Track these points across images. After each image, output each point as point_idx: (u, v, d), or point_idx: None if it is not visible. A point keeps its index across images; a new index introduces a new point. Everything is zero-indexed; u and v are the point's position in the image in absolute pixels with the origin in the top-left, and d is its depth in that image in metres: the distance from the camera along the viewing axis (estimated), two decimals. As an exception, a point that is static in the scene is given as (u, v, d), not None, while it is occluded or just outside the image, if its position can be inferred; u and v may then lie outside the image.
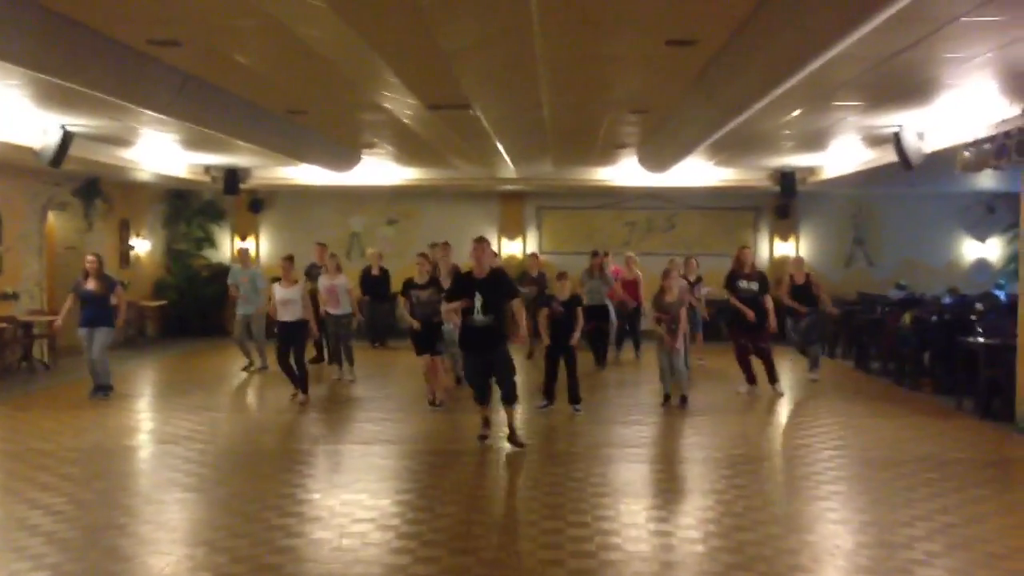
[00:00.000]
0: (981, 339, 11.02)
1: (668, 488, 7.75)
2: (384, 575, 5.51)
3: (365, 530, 6.32)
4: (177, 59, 8.41)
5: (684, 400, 10.98)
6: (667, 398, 11.00)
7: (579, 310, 10.65)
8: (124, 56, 7.90)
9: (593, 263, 14.48)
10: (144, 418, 10.87)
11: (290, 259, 11.85)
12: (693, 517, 6.81)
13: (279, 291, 11.36)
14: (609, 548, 5.95)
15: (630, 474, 8.10)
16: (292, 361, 11.26)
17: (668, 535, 6.28)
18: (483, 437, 8.99)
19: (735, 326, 12.00)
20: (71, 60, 7.49)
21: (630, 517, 6.68)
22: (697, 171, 17.19)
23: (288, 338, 11.28)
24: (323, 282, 12.83)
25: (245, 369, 13.87)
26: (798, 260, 13.98)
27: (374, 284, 15.60)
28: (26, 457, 8.48)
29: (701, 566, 5.71)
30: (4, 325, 13.61)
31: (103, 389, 11.58)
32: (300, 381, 11.28)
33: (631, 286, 15.28)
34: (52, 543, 6.02)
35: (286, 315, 11.23)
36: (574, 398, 10.56)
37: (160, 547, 6.08)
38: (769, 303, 11.76)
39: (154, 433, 9.91)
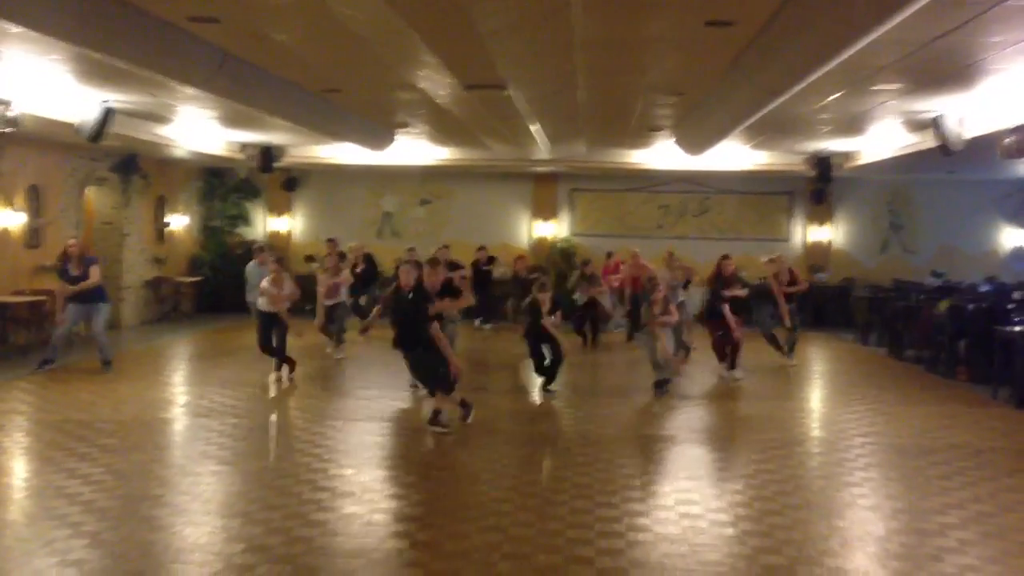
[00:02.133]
0: (1018, 328, 10.88)
1: (698, 471, 7.75)
2: (415, 550, 5.57)
3: (396, 506, 6.39)
4: (216, 36, 8.47)
5: (658, 385, 11.02)
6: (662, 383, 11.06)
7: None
8: (164, 32, 7.97)
9: (584, 270, 15.79)
10: (179, 392, 11.03)
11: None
12: (723, 500, 6.81)
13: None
14: (637, 529, 5.97)
15: (660, 457, 8.11)
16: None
17: (697, 517, 6.29)
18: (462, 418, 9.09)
19: (713, 322, 12.17)
20: (111, 35, 7.57)
21: (659, 499, 6.70)
22: (732, 154, 17.06)
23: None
24: (325, 280, 13.17)
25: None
26: (776, 260, 13.80)
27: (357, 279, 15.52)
28: (65, 428, 8.63)
29: (730, 548, 5.71)
30: (43, 298, 13.82)
31: (108, 364, 11.86)
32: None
33: (637, 279, 15.17)
34: (90, 512, 6.14)
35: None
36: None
37: (195, 518, 6.18)
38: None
39: (189, 407, 10.04)
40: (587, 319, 15.32)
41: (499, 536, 5.80)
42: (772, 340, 13.31)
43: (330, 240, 15.42)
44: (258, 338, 11.73)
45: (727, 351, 12.02)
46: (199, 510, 6.35)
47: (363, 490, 6.83)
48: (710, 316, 12.24)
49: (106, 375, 11.57)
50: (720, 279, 12.20)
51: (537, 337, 11.01)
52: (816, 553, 5.62)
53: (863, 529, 6.23)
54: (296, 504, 6.42)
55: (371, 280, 15.63)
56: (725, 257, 12.64)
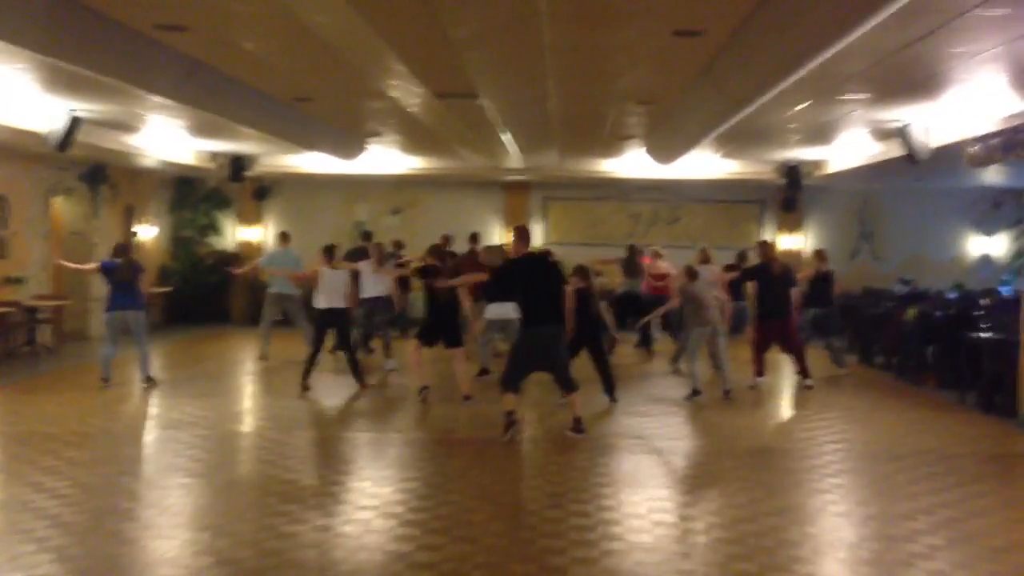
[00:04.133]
0: (985, 334, 11.01)
1: (671, 479, 7.75)
2: (386, 562, 5.53)
3: (368, 517, 6.34)
4: (184, 45, 8.42)
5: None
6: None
7: None
8: (131, 41, 7.91)
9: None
10: (148, 403, 10.89)
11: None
12: (696, 508, 6.82)
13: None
14: (611, 538, 5.97)
15: (633, 465, 8.11)
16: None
17: (670, 525, 6.29)
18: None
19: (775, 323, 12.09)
20: (78, 43, 7.50)
21: (632, 507, 6.70)
22: (702, 163, 17.17)
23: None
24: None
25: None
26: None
27: None
28: (31, 441, 8.51)
29: (703, 556, 5.72)
30: (10, 309, 13.64)
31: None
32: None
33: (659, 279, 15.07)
34: (56, 526, 6.04)
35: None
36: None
37: (163, 531, 6.10)
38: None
39: (158, 418, 9.93)
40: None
41: (471, 547, 5.77)
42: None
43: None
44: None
45: (794, 356, 12.08)
46: (167, 523, 6.28)
47: (334, 501, 6.78)
48: (773, 315, 12.03)
49: (77, 386, 11.43)
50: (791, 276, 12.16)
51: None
52: (787, 560, 5.63)
53: (834, 535, 6.26)
54: (265, 516, 6.36)
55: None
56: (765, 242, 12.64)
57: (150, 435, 9.26)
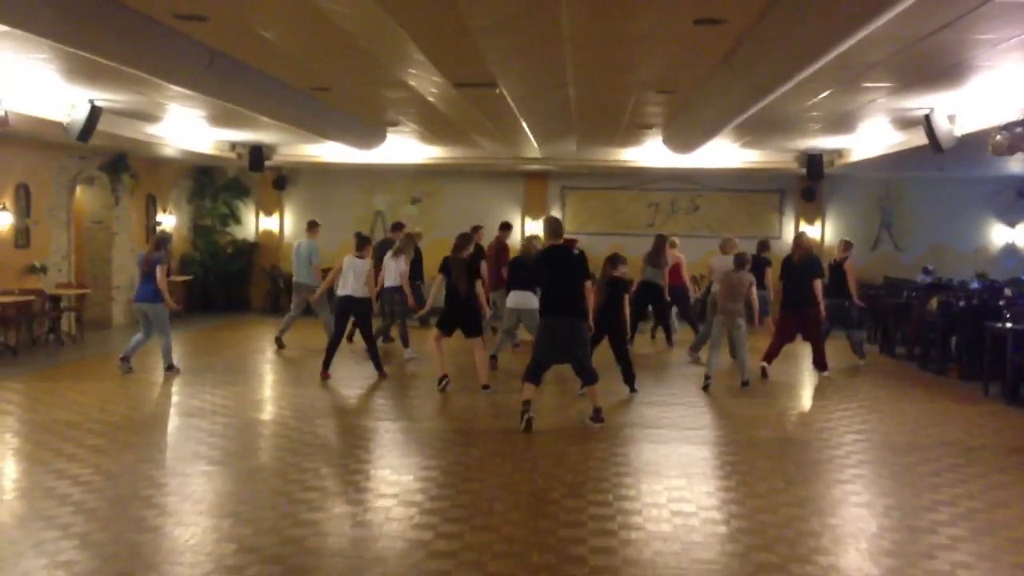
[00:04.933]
0: (1008, 324, 10.91)
1: (691, 469, 7.73)
2: (406, 550, 5.55)
3: (388, 505, 6.36)
4: (203, 34, 8.42)
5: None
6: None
7: None
8: (151, 30, 7.91)
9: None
10: (169, 391, 10.97)
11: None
12: (715, 498, 6.80)
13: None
14: (630, 527, 5.96)
15: (653, 455, 8.10)
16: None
17: (690, 515, 6.28)
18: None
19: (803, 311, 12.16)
20: (97, 33, 7.52)
21: (652, 497, 6.68)
22: (722, 152, 17.07)
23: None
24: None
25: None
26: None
27: None
28: (53, 428, 8.58)
29: (722, 546, 5.70)
30: (32, 298, 13.76)
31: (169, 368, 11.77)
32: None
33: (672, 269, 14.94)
34: (79, 513, 6.09)
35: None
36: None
37: (185, 518, 6.14)
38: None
39: (179, 406, 9.99)
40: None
41: (491, 535, 5.78)
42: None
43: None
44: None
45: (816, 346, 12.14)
46: (189, 511, 6.31)
47: (354, 490, 6.81)
48: (794, 305, 12.06)
49: (98, 375, 11.53)
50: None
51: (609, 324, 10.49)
52: (808, 551, 5.61)
53: (855, 526, 6.22)
54: (287, 504, 6.39)
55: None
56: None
57: (172, 423, 9.31)
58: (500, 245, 14.77)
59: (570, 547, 5.58)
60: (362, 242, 11.76)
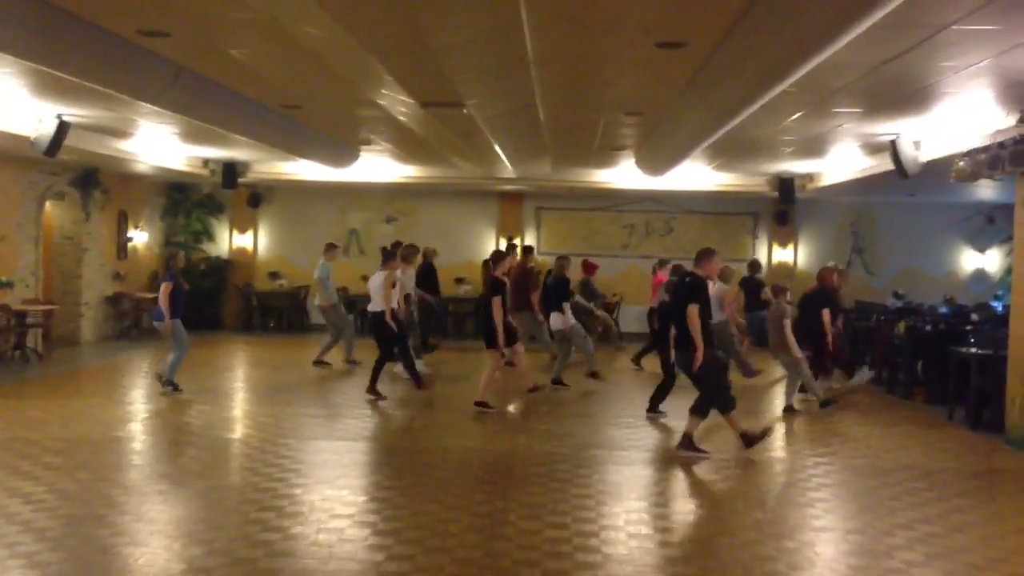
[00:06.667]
0: (973, 349, 10.98)
1: (650, 491, 7.71)
2: (358, 571, 5.50)
3: (343, 526, 6.30)
4: (168, 50, 8.39)
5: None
6: None
7: None
8: (115, 46, 7.87)
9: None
10: (133, 410, 10.85)
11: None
12: (673, 520, 6.78)
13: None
14: (586, 550, 5.92)
15: (614, 476, 8.07)
16: None
17: (646, 538, 6.25)
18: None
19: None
20: (61, 49, 7.48)
21: (610, 519, 6.65)
22: (696, 175, 17.17)
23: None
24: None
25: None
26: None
27: None
28: (11, 446, 8.46)
29: (676, 569, 5.68)
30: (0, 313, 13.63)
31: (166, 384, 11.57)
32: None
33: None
34: (29, 531, 6.00)
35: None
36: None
37: (137, 538, 6.06)
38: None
39: (142, 425, 9.89)
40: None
41: (443, 557, 5.73)
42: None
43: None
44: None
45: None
46: (142, 531, 6.24)
47: (310, 510, 6.74)
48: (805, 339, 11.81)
49: (62, 392, 11.41)
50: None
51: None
52: (762, 575, 5.59)
53: (811, 550, 6.21)
54: (242, 524, 6.32)
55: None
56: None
57: (132, 442, 9.21)
58: (524, 268, 14.49)
59: (523, 570, 5.54)
60: (385, 256, 11.98)
